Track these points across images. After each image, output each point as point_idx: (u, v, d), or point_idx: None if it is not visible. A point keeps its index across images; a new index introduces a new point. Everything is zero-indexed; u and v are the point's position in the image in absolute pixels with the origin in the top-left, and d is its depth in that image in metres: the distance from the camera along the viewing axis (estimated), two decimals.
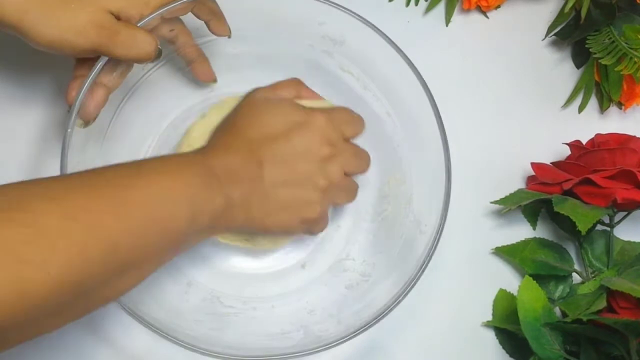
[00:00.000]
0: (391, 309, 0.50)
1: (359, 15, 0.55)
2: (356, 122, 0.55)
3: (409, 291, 0.51)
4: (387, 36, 0.55)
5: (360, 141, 0.60)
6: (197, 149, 0.50)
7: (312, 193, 0.51)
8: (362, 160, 0.55)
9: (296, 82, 0.55)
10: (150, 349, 0.56)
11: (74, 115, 0.51)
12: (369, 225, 0.60)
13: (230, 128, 0.51)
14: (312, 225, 0.53)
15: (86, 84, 0.51)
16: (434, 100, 0.54)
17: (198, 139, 0.55)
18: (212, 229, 0.47)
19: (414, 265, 0.52)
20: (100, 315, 0.56)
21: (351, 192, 0.55)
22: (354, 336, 0.49)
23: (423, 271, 0.51)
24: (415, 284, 0.51)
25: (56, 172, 0.50)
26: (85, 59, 0.52)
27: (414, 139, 0.58)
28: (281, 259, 0.59)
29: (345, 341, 0.49)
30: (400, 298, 0.50)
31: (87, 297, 0.40)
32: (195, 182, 0.45)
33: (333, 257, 0.59)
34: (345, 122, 0.53)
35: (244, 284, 0.58)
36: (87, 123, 0.53)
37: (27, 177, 0.58)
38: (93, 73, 0.51)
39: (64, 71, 0.54)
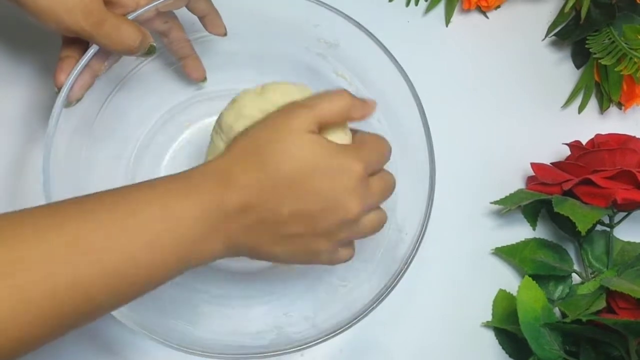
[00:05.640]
0: (365, 315, 0.50)
1: (352, 19, 0.55)
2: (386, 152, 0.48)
3: (384, 298, 0.50)
4: (379, 41, 0.54)
5: None
6: (214, 167, 0.43)
7: (324, 245, 0.46)
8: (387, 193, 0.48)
9: (348, 103, 0.46)
10: (120, 339, 0.56)
11: (61, 101, 0.50)
12: None
13: (266, 167, 0.43)
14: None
15: (77, 70, 0.51)
16: (423, 111, 0.54)
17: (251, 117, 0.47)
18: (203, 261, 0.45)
19: (392, 273, 0.51)
20: None
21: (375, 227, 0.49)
22: (325, 340, 0.49)
23: (399, 280, 0.51)
24: (390, 291, 0.50)
25: (39, 156, 0.50)
26: (73, 40, 0.51)
27: (402, 147, 0.57)
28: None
29: (316, 344, 0.49)
30: (375, 305, 0.50)
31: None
32: (197, 225, 0.42)
33: None
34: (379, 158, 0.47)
35: (224, 279, 0.58)
36: (69, 103, 0.52)
37: (9, 161, 0.58)
38: (85, 59, 0.51)
39: (51, 50, 0.54)
